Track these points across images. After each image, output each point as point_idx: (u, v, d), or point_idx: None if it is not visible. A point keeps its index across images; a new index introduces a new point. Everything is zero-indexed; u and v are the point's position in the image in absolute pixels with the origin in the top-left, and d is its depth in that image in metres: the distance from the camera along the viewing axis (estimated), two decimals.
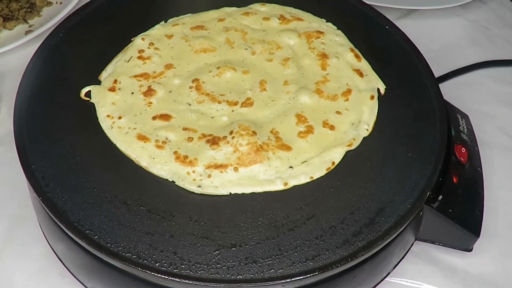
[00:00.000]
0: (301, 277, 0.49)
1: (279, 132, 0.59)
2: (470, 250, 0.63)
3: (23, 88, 0.62)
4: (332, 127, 0.60)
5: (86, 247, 0.51)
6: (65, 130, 0.58)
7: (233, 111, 0.61)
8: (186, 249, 0.50)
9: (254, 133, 0.58)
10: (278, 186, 0.55)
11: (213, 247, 0.50)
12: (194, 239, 0.51)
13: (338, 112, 0.62)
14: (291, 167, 0.57)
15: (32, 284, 0.60)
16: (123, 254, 0.49)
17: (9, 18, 0.88)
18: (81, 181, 0.54)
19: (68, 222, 0.51)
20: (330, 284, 0.52)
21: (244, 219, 0.52)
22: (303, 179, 0.56)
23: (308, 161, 0.57)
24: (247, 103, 0.62)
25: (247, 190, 0.55)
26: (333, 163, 0.58)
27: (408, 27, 0.75)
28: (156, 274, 0.48)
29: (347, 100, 0.63)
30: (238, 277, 0.48)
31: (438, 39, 0.91)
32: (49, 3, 0.92)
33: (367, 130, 0.61)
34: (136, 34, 0.69)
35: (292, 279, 0.48)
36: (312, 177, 0.56)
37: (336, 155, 0.58)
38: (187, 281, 0.48)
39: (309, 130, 0.60)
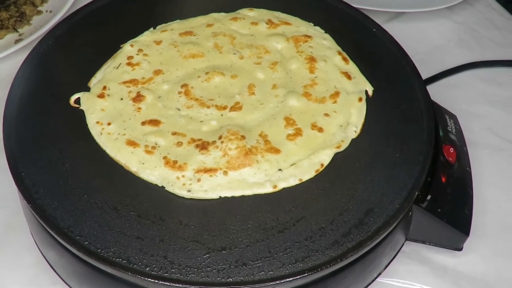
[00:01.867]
0: (291, 279, 0.49)
1: (268, 135, 0.60)
2: (460, 249, 0.64)
3: (12, 96, 0.62)
4: (320, 130, 0.61)
5: (76, 253, 0.51)
6: (54, 137, 0.59)
7: (222, 115, 0.61)
8: (176, 253, 0.50)
9: (243, 137, 0.58)
10: (268, 189, 0.56)
11: (203, 250, 0.50)
12: (184, 243, 0.51)
13: (326, 115, 0.62)
14: (280, 169, 0.57)
15: None
16: (113, 259, 0.49)
17: None
18: (70, 187, 0.54)
19: (58, 229, 0.51)
20: (320, 285, 0.52)
21: (234, 222, 0.53)
22: (292, 182, 0.56)
23: (297, 164, 0.58)
24: (236, 107, 0.62)
25: (237, 193, 0.55)
26: (322, 165, 0.58)
27: (396, 29, 0.75)
28: (146, 279, 0.48)
29: (335, 102, 0.64)
30: (228, 279, 0.49)
31: (426, 41, 0.92)
32: (39, 12, 0.93)
33: (356, 132, 0.61)
34: (125, 41, 0.69)
35: (282, 281, 0.49)
36: (301, 179, 0.57)
37: (325, 157, 0.58)
38: (177, 285, 0.48)
39: (298, 132, 0.60)
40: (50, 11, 0.92)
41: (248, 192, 0.55)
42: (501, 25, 0.96)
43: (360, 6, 0.85)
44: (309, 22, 0.74)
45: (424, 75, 0.77)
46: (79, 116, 0.61)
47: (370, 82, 0.67)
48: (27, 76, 0.64)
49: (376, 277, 0.61)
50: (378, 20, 0.76)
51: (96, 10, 0.74)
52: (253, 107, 0.62)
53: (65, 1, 0.92)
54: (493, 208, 0.69)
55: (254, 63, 0.67)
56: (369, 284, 0.60)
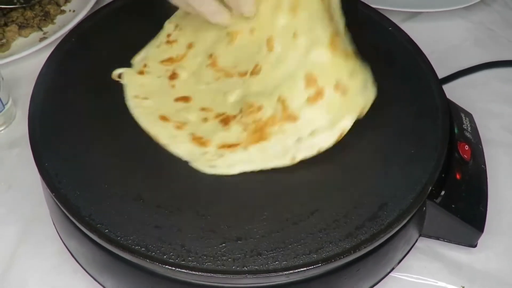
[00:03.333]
0: (305, 269, 0.50)
1: (286, 100, 0.57)
2: (474, 246, 0.64)
3: (36, 91, 0.64)
4: (343, 91, 0.57)
5: (97, 241, 0.52)
6: (77, 130, 0.60)
7: (243, 82, 0.61)
8: (193, 242, 0.51)
9: (260, 108, 0.58)
10: (286, 161, 0.56)
11: (219, 240, 0.52)
12: (201, 233, 0.52)
13: (349, 73, 0.57)
14: (299, 139, 0.56)
15: (46, 281, 0.62)
16: (133, 246, 0.51)
17: (24, 26, 0.91)
18: (93, 177, 0.56)
19: (80, 217, 0.53)
20: (334, 276, 0.53)
21: (250, 214, 0.54)
22: (310, 152, 0.56)
23: (316, 131, 0.56)
24: (255, 70, 0.60)
25: (257, 166, 0.56)
26: (342, 133, 0.56)
27: (413, 29, 0.76)
28: (164, 266, 0.50)
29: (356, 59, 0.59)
30: (243, 268, 0.50)
31: (442, 41, 0.92)
32: (63, 11, 0.95)
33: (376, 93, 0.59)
34: (150, 37, 0.70)
35: (296, 271, 0.50)
36: (319, 150, 0.56)
37: (347, 123, 0.57)
38: (194, 272, 0.49)
39: (319, 94, 0.57)
40: (74, 11, 0.95)
41: (269, 164, 0.56)
42: None
43: (377, 6, 0.86)
44: None
45: (440, 74, 0.77)
46: (101, 110, 0.63)
47: (386, 80, 0.67)
48: (50, 73, 0.66)
49: (389, 272, 0.61)
50: (395, 19, 0.76)
51: (118, 8, 0.75)
52: (271, 66, 0.59)
53: (87, 1, 0.94)
54: (508, 206, 0.69)
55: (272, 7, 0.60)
56: (383, 278, 0.61)
